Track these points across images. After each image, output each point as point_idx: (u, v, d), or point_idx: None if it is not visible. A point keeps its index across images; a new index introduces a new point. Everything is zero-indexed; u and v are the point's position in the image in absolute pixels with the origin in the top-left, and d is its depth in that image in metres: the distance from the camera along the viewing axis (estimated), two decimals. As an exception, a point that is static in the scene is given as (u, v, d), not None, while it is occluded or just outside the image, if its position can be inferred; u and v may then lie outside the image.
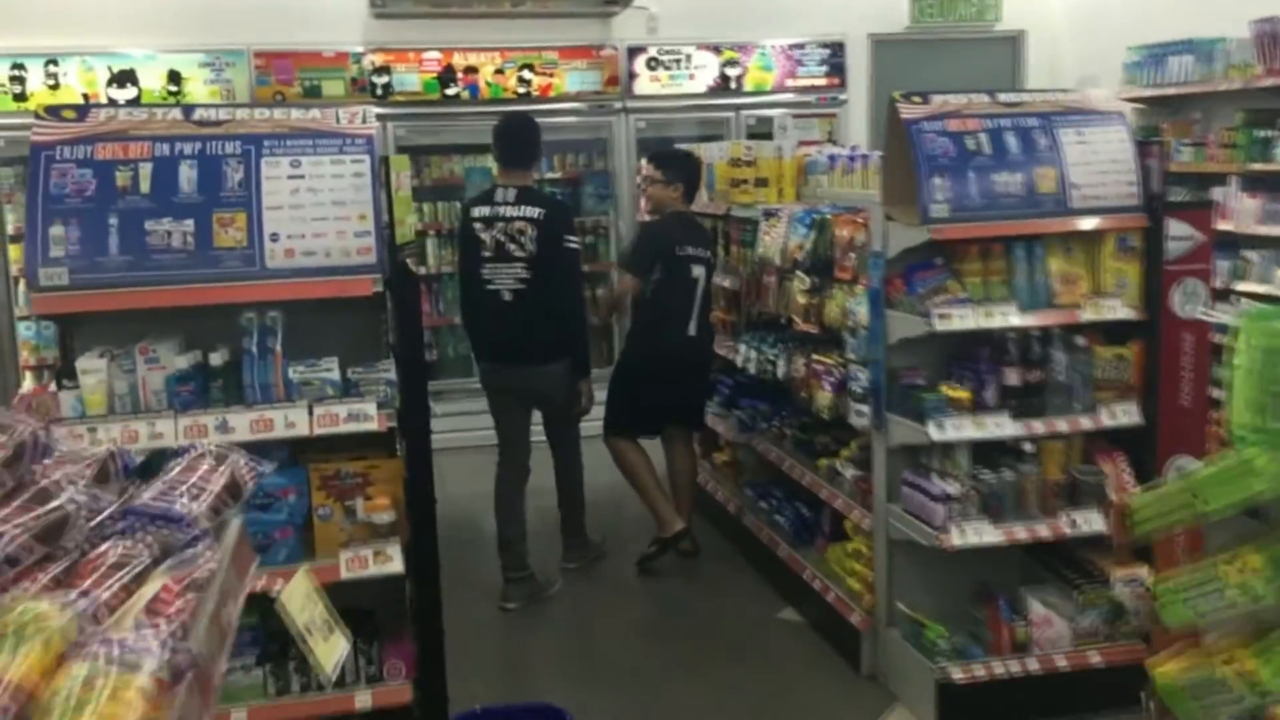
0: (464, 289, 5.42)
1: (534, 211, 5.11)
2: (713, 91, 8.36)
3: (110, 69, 7.40)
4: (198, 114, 3.25)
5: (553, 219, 5.14)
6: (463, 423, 7.33)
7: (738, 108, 8.38)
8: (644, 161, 6.39)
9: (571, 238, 5.22)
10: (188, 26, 7.61)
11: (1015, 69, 8.99)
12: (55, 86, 7.32)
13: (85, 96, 7.35)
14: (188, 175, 3.10)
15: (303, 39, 7.75)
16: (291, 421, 3.06)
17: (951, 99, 4.06)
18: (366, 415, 3.08)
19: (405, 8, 7.83)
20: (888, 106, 4.01)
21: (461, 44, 7.96)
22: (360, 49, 7.83)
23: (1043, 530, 3.98)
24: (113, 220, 3.06)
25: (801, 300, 4.83)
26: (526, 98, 7.98)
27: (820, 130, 8.09)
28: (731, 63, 8.36)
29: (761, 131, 7.86)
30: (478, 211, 5.21)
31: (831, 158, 5.55)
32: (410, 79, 7.92)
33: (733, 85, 8.38)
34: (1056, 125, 4.04)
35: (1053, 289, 4.02)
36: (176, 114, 3.23)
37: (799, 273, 4.85)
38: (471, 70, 7.97)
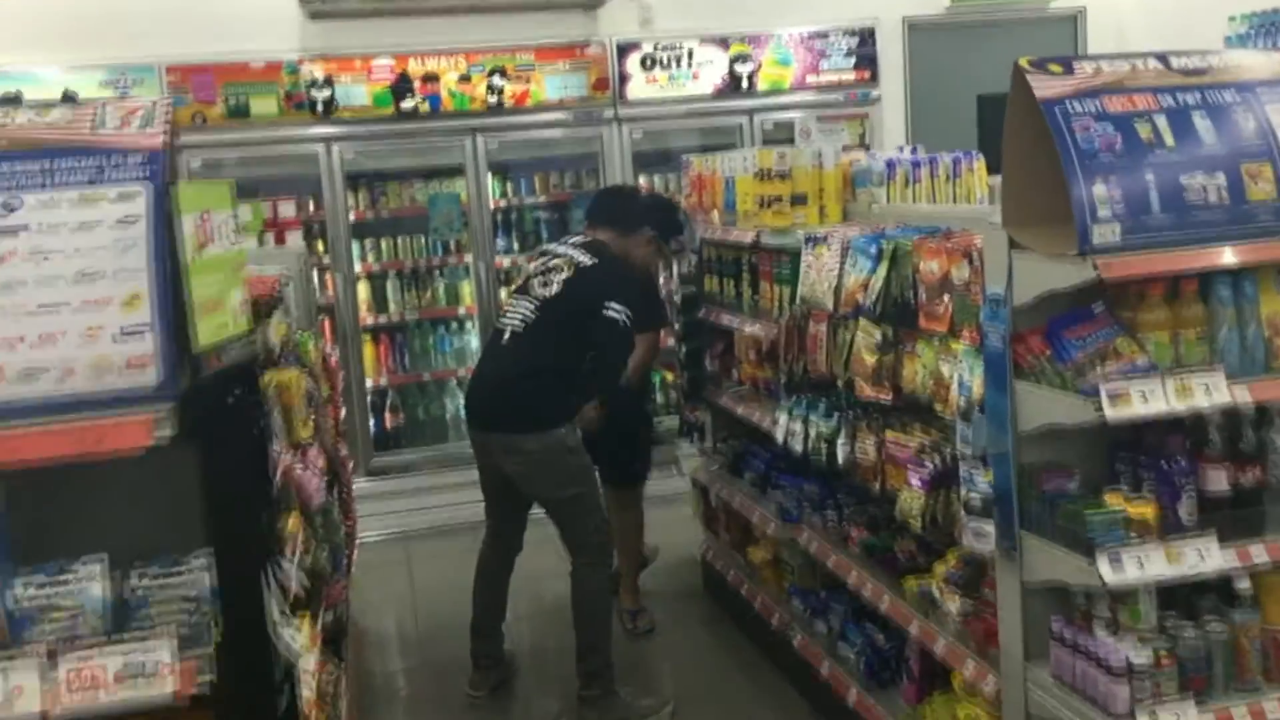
0: None
1: (582, 257, 4.43)
2: (720, 93, 7.02)
3: (-10, 90, 6.10)
4: None
5: (599, 275, 4.39)
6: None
7: (751, 111, 7.06)
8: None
9: (616, 306, 4.29)
10: (87, 38, 6.32)
11: (1074, 55, 7.66)
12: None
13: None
14: None
15: (225, 48, 6.42)
16: (13, 689, 1.63)
17: (1107, 66, 2.70)
18: (153, 669, 1.65)
19: (346, 5, 6.49)
20: (1012, 77, 2.64)
21: (418, 48, 6.62)
22: (295, 57, 6.49)
23: (1271, 709, 2.62)
24: None
25: (869, 358, 3.50)
26: (499, 108, 6.66)
27: (851, 134, 6.81)
28: (742, 58, 7.01)
29: (779, 138, 6.57)
30: (541, 248, 4.89)
31: (890, 163, 4.23)
32: (357, 91, 6.58)
33: (744, 85, 7.03)
34: (1268, 99, 2.68)
35: (1271, 346, 2.66)
36: None
37: (863, 320, 3.52)
38: (431, 79, 6.62)
